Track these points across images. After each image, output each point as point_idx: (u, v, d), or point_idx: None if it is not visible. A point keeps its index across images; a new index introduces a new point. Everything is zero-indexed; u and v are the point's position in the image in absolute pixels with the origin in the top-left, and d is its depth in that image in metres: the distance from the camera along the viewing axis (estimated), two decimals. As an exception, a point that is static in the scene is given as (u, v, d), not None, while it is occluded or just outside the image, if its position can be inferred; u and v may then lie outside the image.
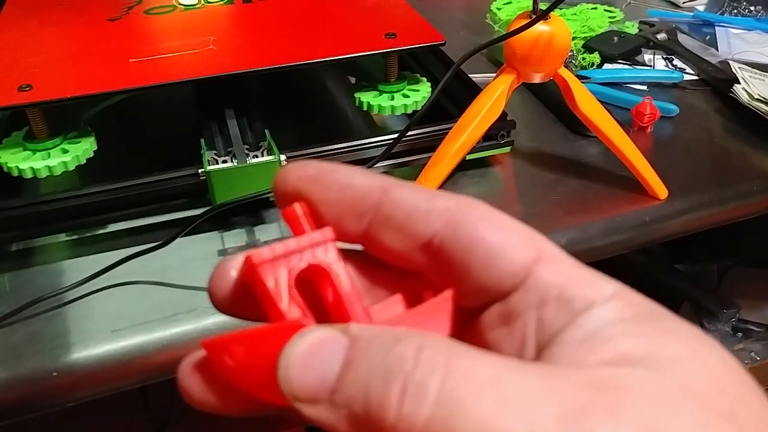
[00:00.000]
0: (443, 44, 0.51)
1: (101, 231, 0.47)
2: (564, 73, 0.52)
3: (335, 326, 0.15)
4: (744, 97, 0.62)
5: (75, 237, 0.48)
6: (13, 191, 0.50)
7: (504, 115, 0.53)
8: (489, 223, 0.17)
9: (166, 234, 0.45)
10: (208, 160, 0.45)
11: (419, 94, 0.53)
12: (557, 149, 0.58)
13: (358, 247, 0.19)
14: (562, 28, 0.51)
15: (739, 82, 0.64)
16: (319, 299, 0.18)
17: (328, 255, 0.18)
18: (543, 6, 0.49)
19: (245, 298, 0.18)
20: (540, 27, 0.50)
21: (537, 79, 0.53)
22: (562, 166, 0.56)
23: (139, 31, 0.53)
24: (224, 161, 0.45)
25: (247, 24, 0.55)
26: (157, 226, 0.48)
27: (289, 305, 0.17)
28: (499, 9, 0.80)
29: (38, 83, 0.45)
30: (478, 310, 0.18)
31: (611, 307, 0.16)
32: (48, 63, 0.48)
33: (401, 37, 0.50)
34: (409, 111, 0.52)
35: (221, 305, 0.18)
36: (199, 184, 0.45)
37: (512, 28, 0.51)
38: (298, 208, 0.18)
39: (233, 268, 0.18)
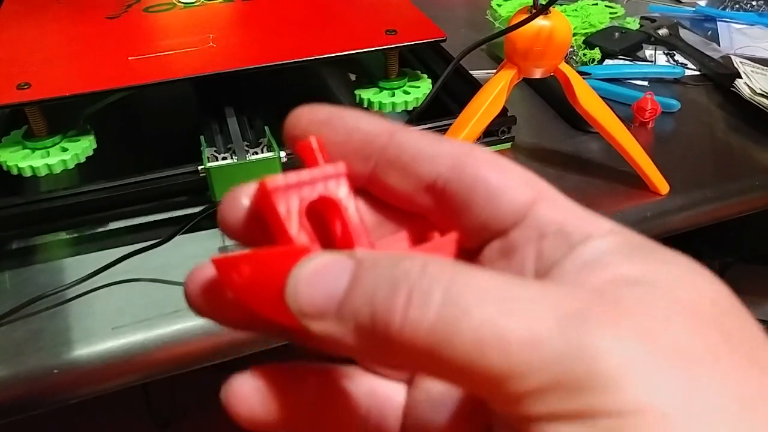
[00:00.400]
0: (444, 40, 0.51)
1: (102, 229, 0.47)
2: (565, 68, 0.52)
3: (342, 252, 0.16)
4: (746, 92, 0.62)
5: (76, 235, 0.48)
6: (14, 189, 0.50)
7: (504, 110, 0.53)
8: (491, 165, 0.17)
9: (166, 231, 0.45)
10: (208, 157, 0.45)
11: (420, 90, 0.53)
12: (558, 145, 0.58)
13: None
14: (563, 23, 0.51)
15: (740, 77, 0.64)
16: (327, 232, 0.18)
17: (340, 188, 0.18)
18: (543, 1, 0.49)
19: (255, 226, 0.18)
20: (540, 22, 0.50)
21: (538, 74, 0.53)
22: (562, 161, 0.55)
23: (138, 29, 0.53)
24: (224, 158, 0.45)
25: (246, 21, 0.55)
26: (157, 223, 0.48)
27: (298, 232, 0.17)
28: (499, 5, 0.79)
29: (37, 81, 0.45)
30: (478, 251, 0.18)
31: (609, 239, 0.16)
32: (47, 61, 0.48)
33: (402, 34, 0.50)
34: (410, 108, 0.52)
35: (231, 232, 0.19)
36: (199, 181, 0.45)
37: (512, 23, 0.51)
38: (313, 140, 0.18)
39: (245, 195, 0.18)
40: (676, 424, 0.13)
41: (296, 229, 0.17)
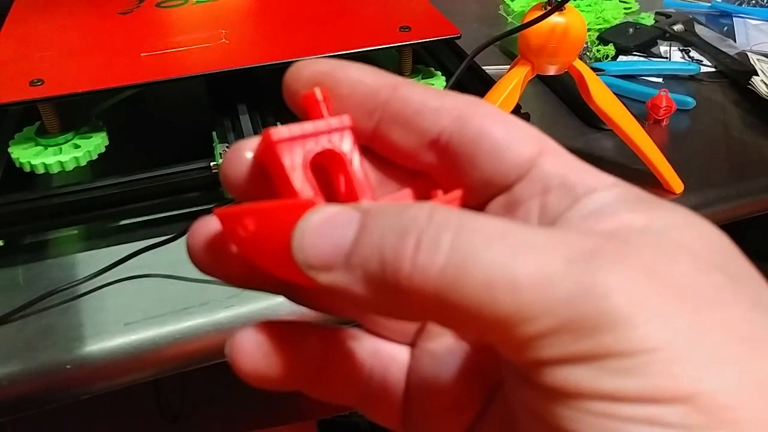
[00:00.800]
0: (458, 38, 0.50)
1: (114, 224, 0.47)
2: (579, 65, 0.52)
3: (348, 204, 0.15)
4: (762, 89, 0.61)
5: (88, 230, 0.48)
6: (27, 184, 0.50)
7: (518, 107, 0.52)
8: (495, 119, 0.17)
9: (178, 227, 0.45)
10: (220, 153, 0.45)
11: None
12: (571, 142, 0.57)
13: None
14: (578, 20, 0.51)
15: (757, 74, 0.63)
16: (331, 185, 0.18)
17: (344, 142, 0.18)
18: (558, -3, 0.49)
19: (258, 181, 0.18)
20: (555, 18, 0.50)
21: (551, 71, 0.52)
22: (576, 159, 0.55)
23: (150, 25, 0.53)
24: (236, 154, 0.45)
25: (259, 17, 0.54)
26: (169, 219, 0.48)
27: (302, 184, 0.17)
28: (512, 0, 0.79)
29: (50, 78, 0.45)
30: (482, 208, 0.18)
31: (612, 192, 0.16)
32: (59, 57, 0.48)
33: (416, 31, 0.50)
34: None
35: (234, 189, 0.18)
36: (211, 176, 0.45)
37: (527, 20, 0.50)
38: (318, 92, 0.18)
39: (248, 149, 0.18)
40: (685, 362, 0.13)
41: (301, 181, 0.17)
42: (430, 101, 0.18)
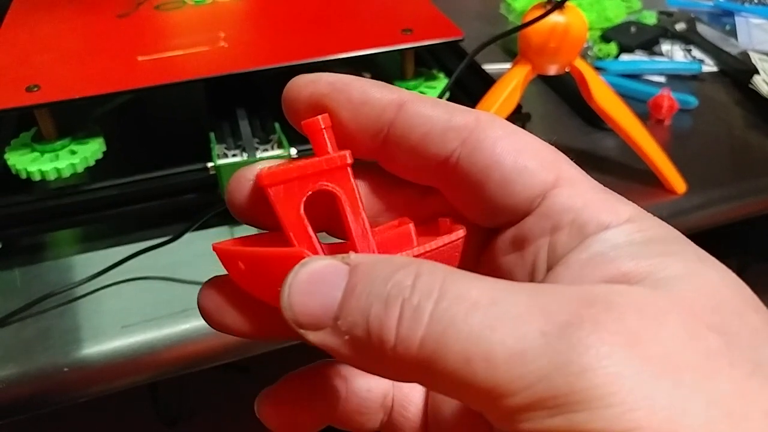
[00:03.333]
0: (461, 40, 0.50)
1: (111, 226, 0.47)
2: (580, 64, 0.51)
3: (336, 257, 0.15)
4: (764, 88, 0.61)
5: (85, 232, 0.47)
6: (24, 187, 0.50)
7: (519, 107, 0.52)
8: (507, 145, 0.17)
9: (175, 229, 0.44)
10: (218, 154, 0.45)
11: (436, 90, 0.51)
12: (573, 142, 0.57)
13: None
14: (578, 19, 0.50)
15: (759, 74, 0.63)
16: (331, 211, 0.18)
17: (343, 182, 0.17)
18: (559, -4, 0.48)
19: (262, 206, 0.18)
20: (555, 17, 0.49)
21: (552, 71, 0.52)
22: (577, 159, 0.54)
23: (148, 28, 0.52)
24: (234, 155, 0.45)
25: (258, 20, 0.54)
26: (166, 221, 0.48)
27: (293, 228, 0.17)
28: (513, -1, 0.78)
29: (46, 83, 0.44)
30: (492, 231, 0.18)
31: (622, 230, 0.15)
32: (56, 61, 0.47)
33: (417, 33, 0.49)
34: None
35: (239, 213, 0.18)
36: (208, 178, 0.45)
37: (527, 19, 0.50)
38: (321, 120, 0.17)
39: (251, 176, 0.18)
40: None
41: (292, 225, 0.17)
42: (438, 122, 0.17)
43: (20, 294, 0.43)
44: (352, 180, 0.17)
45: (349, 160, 0.17)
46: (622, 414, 0.12)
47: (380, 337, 0.14)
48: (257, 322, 0.18)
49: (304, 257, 0.15)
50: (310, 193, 0.17)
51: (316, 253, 0.17)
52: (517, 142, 0.17)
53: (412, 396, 0.20)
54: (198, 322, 0.41)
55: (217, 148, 0.45)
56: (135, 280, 0.44)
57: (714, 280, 0.14)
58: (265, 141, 0.46)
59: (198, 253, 0.46)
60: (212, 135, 0.47)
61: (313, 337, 0.15)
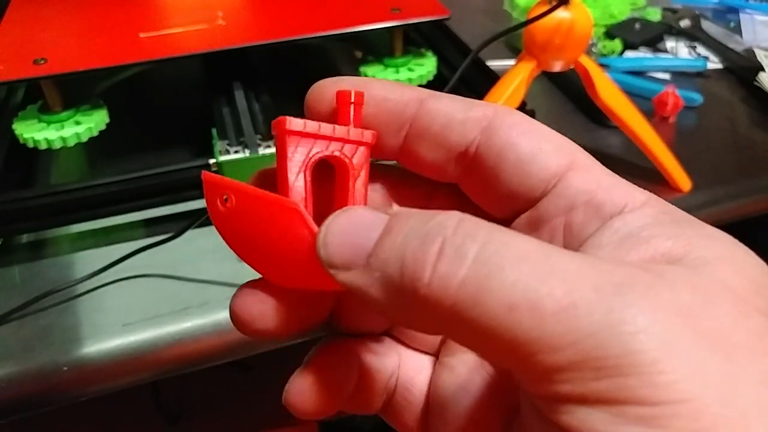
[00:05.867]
0: (447, 19, 0.51)
1: (112, 222, 0.47)
2: (585, 61, 0.51)
3: (378, 207, 0.15)
4: (770, 85, 0.60)
5: (85, 229, 0.47)
6: (24, 182, 0.50)
7: (523, 104, 0.51)
8: (523, 129, 0.17)
9: (176, 226, 0.44)
10: (220, 151, 0.44)
11: (424, 68, 0.52)
12: (577, 139, 0.55)
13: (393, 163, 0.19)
14: (584, 15, 0.50)
15: (764, 70, 0.62)
16: (330, 187, 0.18)
17: (357, 155, 0.17)
18: (564, -9, 0.48)
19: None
20: (560, 13, 0.49)
21: (557, 67, 0.51)
22: (582, 156, 0.54)
23: (150, 8, 0.54)
24: (236, 151, 0.44)
25: (253, 1, 0.55)
26: (167, 217, 0.47)
27: (295, 182, 0.16)
28: (516, -5, 0.78)
29: (53, 57, 0.46)
30: (507, 223, 0.18)
31: (645, 212, 0.15)
32: (62, 37, 0.49)
33: (405, 11, 0.51)
34: (414, 85, 0.52)
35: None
36: (210, 175, 0.44)
37: (532, 15, 0.49)
38: (354, 95, 0.17)
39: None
40: (716, 419, 0.11)
41: (295, 177, 0.16)
42: (457, 113, 0.17)
43: (20, 291, 0.42)
44: (366, 158, 0.17)
45: (370, 140, 0.17)
46: (674, 383, 0.12)
47: (414, 274, 0.13)
48: (296, 319, 0.17)
49: (298, 211, 0.15)
50: (321, 155, 0.17)
51: (308, 210, 0.16)
52: (533, 128, 0.17)
53: (416, 379, 0.20)
54: (200, 320, 0.41)
55: (219, 145, 0.44)
56: (136, 277, 0.43)
57: (752, 263, 0.14)
58: (268, 136, 0.46)
59: (199, 250, 0.45)
60: (214, 131, 0.46)
61: (343, 276, 0.14)
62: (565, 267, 0.13)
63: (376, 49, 0.55)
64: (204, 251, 0.45)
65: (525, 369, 0.13)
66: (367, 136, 0.17)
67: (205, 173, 0.17)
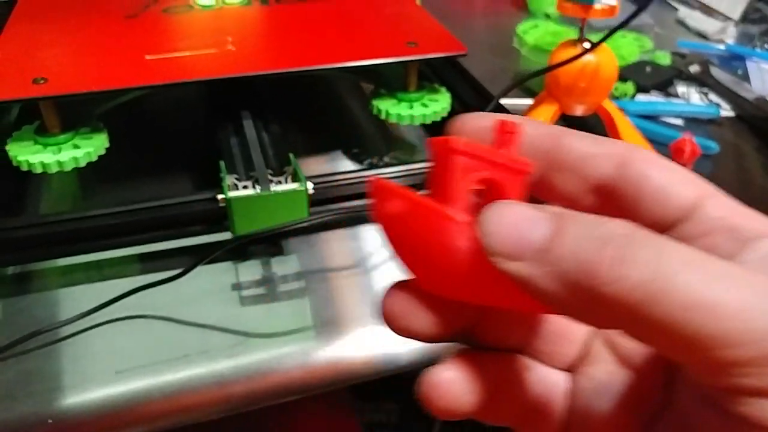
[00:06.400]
0: (464, 55, 0.49)
1: (107, 257, 0.43)
2: (608, 105, 0.49)
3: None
4: (786, 137, 0.59)
5: (78, 262, 0.43)
6: (12, 210, 0.46)
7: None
8: (656, 163, 0.18)
9: (176, 262, 0.41)
10: (228, 185, 0.41)
11: (439, 104, 0.51)
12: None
13: None
14: (609, 58, 0.48)
15: (778, 121, 0.61)
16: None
17: (517, 182, 0.18)
18: (569, 33, 0.46)
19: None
20: (586, 56, 0.47)
21: (579, 111, 0.50)
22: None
23: (156, 29, 0.51)
24: (245, 187, 0.41)
25: (266, 27, 0.53)
26: (166, 252, 0.44)
27: (460, 201, 0.17)
28: (525, 33, 0.76)
29: (53, 77, 0.43)
30: None
31: None
32: (64, 57, 0.47)
33: (422, 46, 0.49)
34: (428, 121, 0.51)
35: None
36: (217, 210, 0.41)
37: (557, 57, 0.48)
38: (518, 125, 0.18)
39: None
40: None
41: (461, 197, 0.17)
42: (591, 148, 0.19)
43: (3, 329, 0.39)
44: (523, 186, 0.18)
45: (529, 169, 0.18)
46: None
47: (592, 271, 0.14)
48: (444, 324, 0.18)
49: (469, 225, 0.16)
50: (484, 176, 0.17)
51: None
52: (665, 162, 0.18)
53: (553, 392, 0.21)
54: (199, 370, 0.38)
55: (228, 179, 0.42)
56: (131, 318, 0.40)
57: None
58: (279, 172, 0.43)
59: (200, 291, 0.42)
60: (222, 164, 0.43)
61: (509, 266, 0.15)
62: (732, 271, 0.14)
63: (389, 82, 0.53)
64: (206, 292, 0.42)
65: (701, 362, 0.14)
66: (528, 165, 0.18)
67: (374, 179, 0.18)
